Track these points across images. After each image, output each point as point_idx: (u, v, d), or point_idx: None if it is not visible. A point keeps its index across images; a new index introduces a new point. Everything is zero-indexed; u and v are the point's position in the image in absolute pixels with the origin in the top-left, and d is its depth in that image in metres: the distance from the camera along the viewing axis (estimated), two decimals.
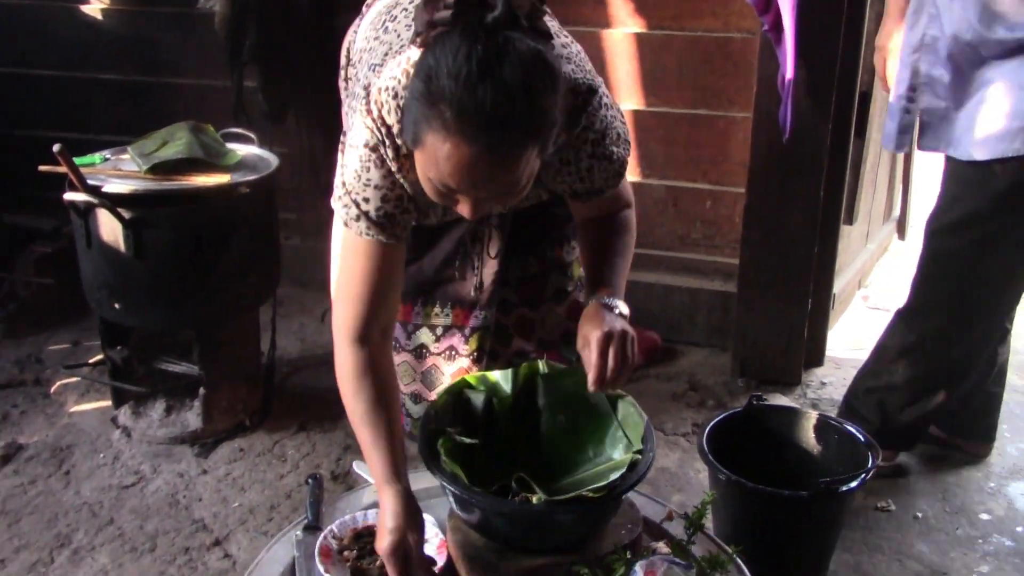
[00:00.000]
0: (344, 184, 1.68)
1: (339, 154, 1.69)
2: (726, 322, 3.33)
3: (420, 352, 2.17)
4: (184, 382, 2.90)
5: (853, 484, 2.13)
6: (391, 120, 1.60)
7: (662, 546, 1.88)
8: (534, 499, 1.68)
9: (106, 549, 2.46)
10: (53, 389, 3.24)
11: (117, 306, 2.65)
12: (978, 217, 2.36)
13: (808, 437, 2.42)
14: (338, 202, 1.69)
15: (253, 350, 3.02)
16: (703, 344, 3.45)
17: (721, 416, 2.44)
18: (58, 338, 3.57)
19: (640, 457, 1.80)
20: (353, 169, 1.66)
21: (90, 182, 2.52)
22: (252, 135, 2.98)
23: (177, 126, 2.77)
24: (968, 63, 2.27)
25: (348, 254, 1.73)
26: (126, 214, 2.50)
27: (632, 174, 3.41)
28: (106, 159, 2.77)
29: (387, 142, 1.62)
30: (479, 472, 1.80)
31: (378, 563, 1.87)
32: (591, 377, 1.72)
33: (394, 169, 1.65)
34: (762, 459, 2.41)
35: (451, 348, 2.17)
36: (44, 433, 2.98)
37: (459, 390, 1.93)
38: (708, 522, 2.35)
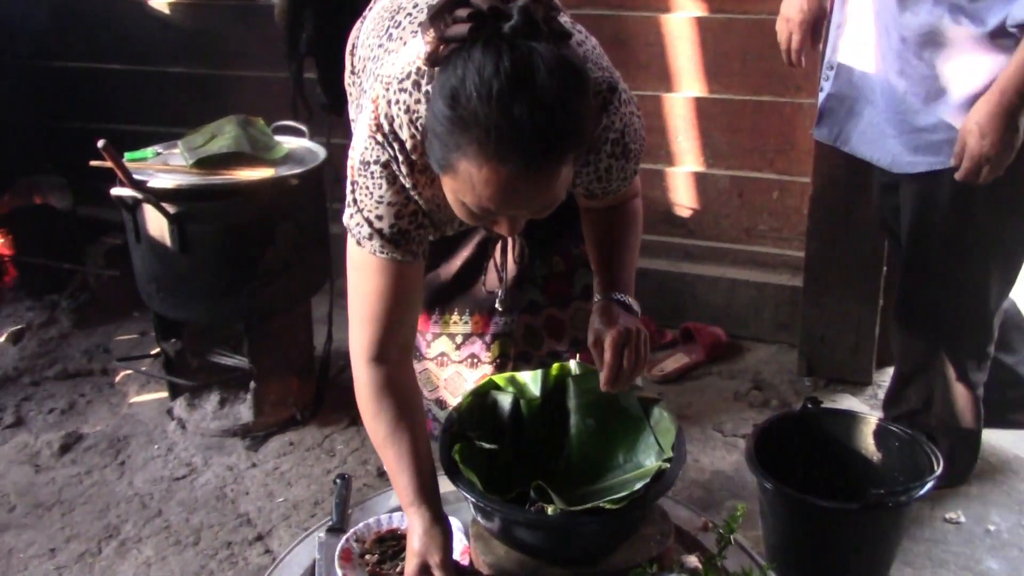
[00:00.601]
0: (356, 202, 1.61)
1: (348, 169, 1.63)
2: (794, 318, 3.19)
3: (441, 359, 2.12)
4: (236, 375, 2.91)
5: (906, 497, 1.99)
6: (404, 135, 1.54)
7: (693, 559, 1.79)
8: (549, 509, 1.62)
9: (152, 541, 2.49)
10: (117, 379, 3.29)
11: (164, 300, 2.67)
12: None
13: (867, 443, 2.28)
14: (350, 220, 1.63)
15: (304, 343, 3.01)
16: (770, 340, 3.31)
17: (773, 418, 2.32)
18: (126, 328, 3.64)
19: (668, 466, 1.72)
20: (365, 187, 1.59)
21: (137, 177, 2.54)
22: (303, 128, 2.96)
23: (226, 120, 2.77)
24: (889, 50, 2.12)
25: (362, 274, 1.66)
26: (170, 209, 2.51)
27: (695, 164, 3.29)
28: (158, 153, 2.78)
29: (400, 157, 1.56)
30: (500, 478, 1.75)
31: (399, 569, 1.84)
32: (604, 376, 1.67)
33: (408, 185, 1.58)
34: (819, 465, 2.29)
35: (473, 356, 2.10)
36: (105, 423, 3.04)
37: (485, 392, 1.88)
38: (755, 531, 2.27)
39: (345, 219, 1.64)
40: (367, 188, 1.59)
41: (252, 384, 2.86)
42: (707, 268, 3.35)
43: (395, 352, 1.70)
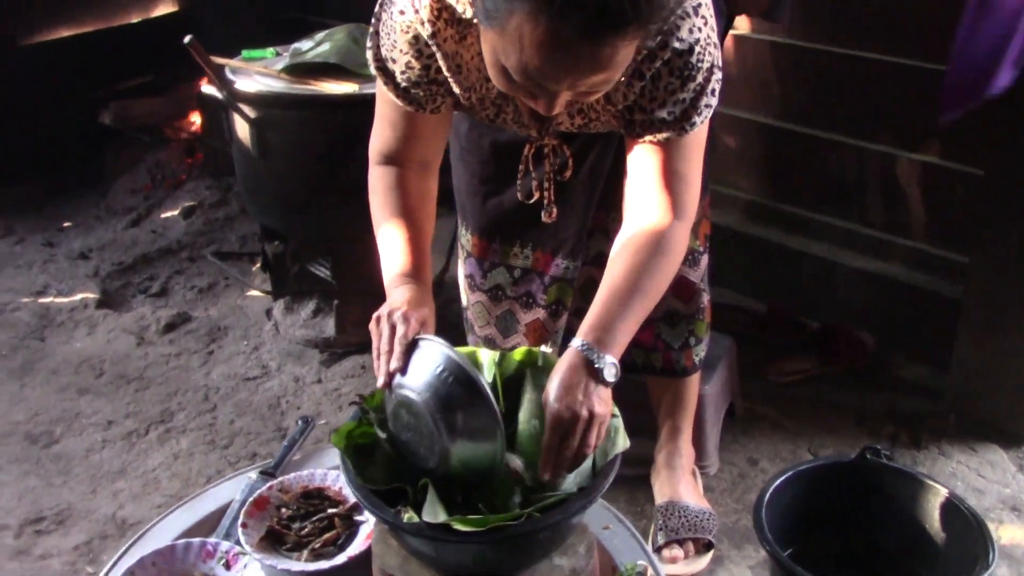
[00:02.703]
0: (376, 34, 1.55)
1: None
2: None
3: (496, 293, 2.01)
4: (326, 288, 2.88)
5: None
6: None
7: None
8: (405, 516, 1.42)
9: (192, 436, 2.54)
10: (254, 268, 3.40)
11: (251, 202, 2.66)
12: None
13: (931, 517, 1.84)
14: (367, 50, 1.57)
15: None
16: (925, 360, 2.77)
17: (821, 462, 1.94)
18: None
19: (581, 494, 1.47)
20: (386, 23, 1.51)
21: (229, 77, 2.52)
22: None
23: (339, 28, 2.67)
24: None
25: (379, 94, 1.62)
26: (250, 113, 2.47)
27: (879, 140, 2.77)
28: (277, 54, 2.75)
29: (424, 2, 1.43)
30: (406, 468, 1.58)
31: (305, 531, 1.73)
32: (540, 461, 1.42)
33: (425, 35, 1.46)
34: (865, 528, 1.89)
35: (528, 295, 1.99)
36: (218, 310, 3.14)
37: None
38: None
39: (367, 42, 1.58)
40: (387, 27, 1.51)
41: (335, 301, 2.82)
42: (868, 261, 2.84)
43: (412, 162, 1.64)
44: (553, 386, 1.42)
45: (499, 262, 1.99)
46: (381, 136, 1.65)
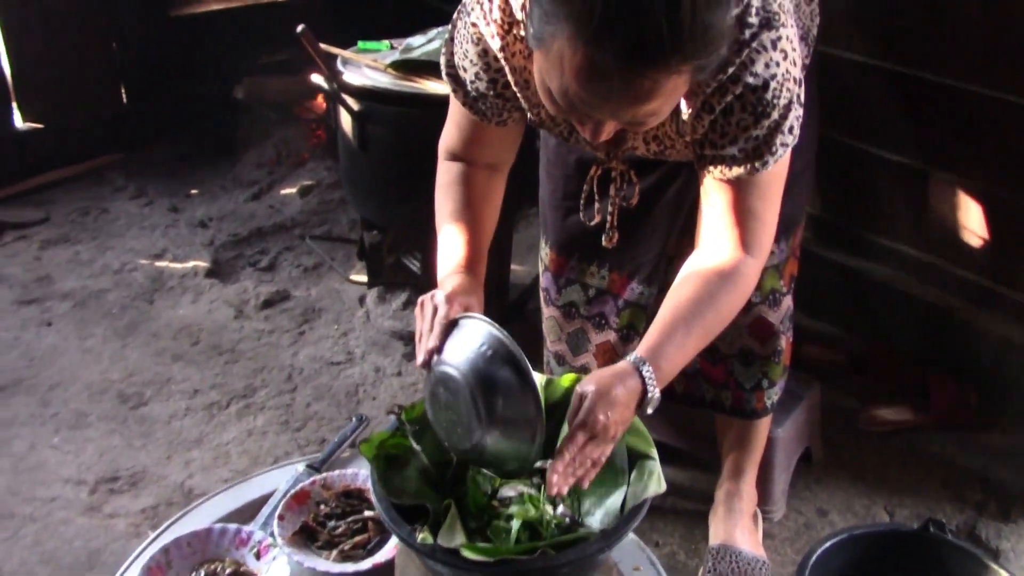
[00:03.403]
0: (452, 40, 1.57)
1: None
2: None
3: (569, 311, 2.01)
4: (416, 282, 2.91)
5: None
6: None
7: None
8: (420, 536, 1.42)
9: (268, 414, 2.61)
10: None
11: (351, 192, 2.71)
12: None
13: None
14: (441, 55, 1.61)
15: (492, 267, 2.89)
16: None
17: (878, 530, 1.83)
18: None
19: (595, 538, 1.44)
20: (460, 32, 1.53)
21: (339, 68, 2.56)
22: None
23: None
24: None
25: (451, 96, 1.63)
26: (354, 105, 2.51)
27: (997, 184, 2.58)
28: (392, 47, 2.78)
29: (497, 16, 1.44)
30: (451, 482, 1.59)
31: (339, 530, 1.75)
32: (553, 466, 1.37)
33: (496, 48, 1.47)
34: None
35: (601, 315, 1.97)
36: (316, 291, 3.21)
37: None
38: None
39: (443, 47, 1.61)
40: (461, 35, 1.54)
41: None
42: (981, 314, 2.66)
43: (476, 162, 1.67)
44: (596, 392, 1.38)
45: (575, 279, 1.97)
46: (449, 135, 1.67)
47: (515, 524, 1.48)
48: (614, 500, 1.53)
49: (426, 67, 2.55)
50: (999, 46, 2.42)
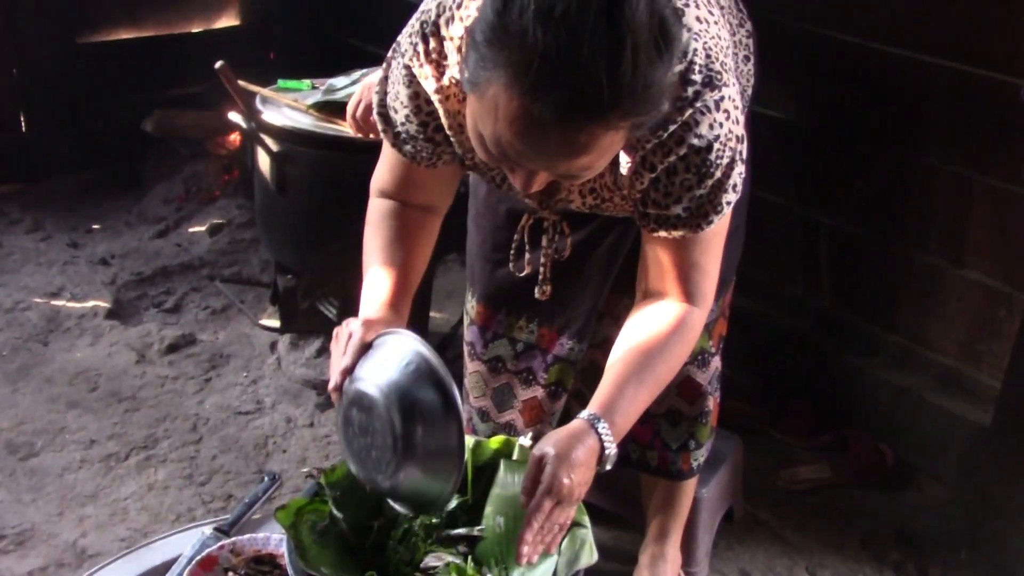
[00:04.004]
0: (385, 79, 1.49)
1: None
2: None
3: (496, 365, 1.92)
4: (331, 330, 2.80)
5: None
6: (451, 32, 1.35)
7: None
8: None
9: (170, 467, 2.47)
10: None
11: (265, 234, 2.61)
12: None
13: None
14: (375, 96, 1.52)
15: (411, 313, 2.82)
16: (944, 483, 2.59)
17: None
18: None
19: None
20: (393, 72, 1.46)
21: (259, 107, 2.47)
22: None
23: (376, 70, 2.61)
24: None
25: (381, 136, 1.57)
26: (273, 146, 2.42)
27: (930, 251, 2.62)
28: (313, 87, 2.70)
29: (432, 56, 1.38)
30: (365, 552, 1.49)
31: None
32: (522, 535, 1.32)
33: (430, 90, 1.41)
34: None
35: (529, 371, 1.90)
36: (224, 336, 3.08)
37: None
38: None
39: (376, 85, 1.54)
40: (394, 75, 1.47)
41: None
42: (895, 372, 2.69)
43: (409, 203, 1.59)
44: (557, 453, 1.32)
45: (503, 333, 1.91)
46: (381, 174, 1.61)
47: None
48: (544, 570, 1.45)
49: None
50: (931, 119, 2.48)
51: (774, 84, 2.43)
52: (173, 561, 1.70)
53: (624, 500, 2.23)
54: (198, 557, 1.67)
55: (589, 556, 1.44)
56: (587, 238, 1.75)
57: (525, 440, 1.56)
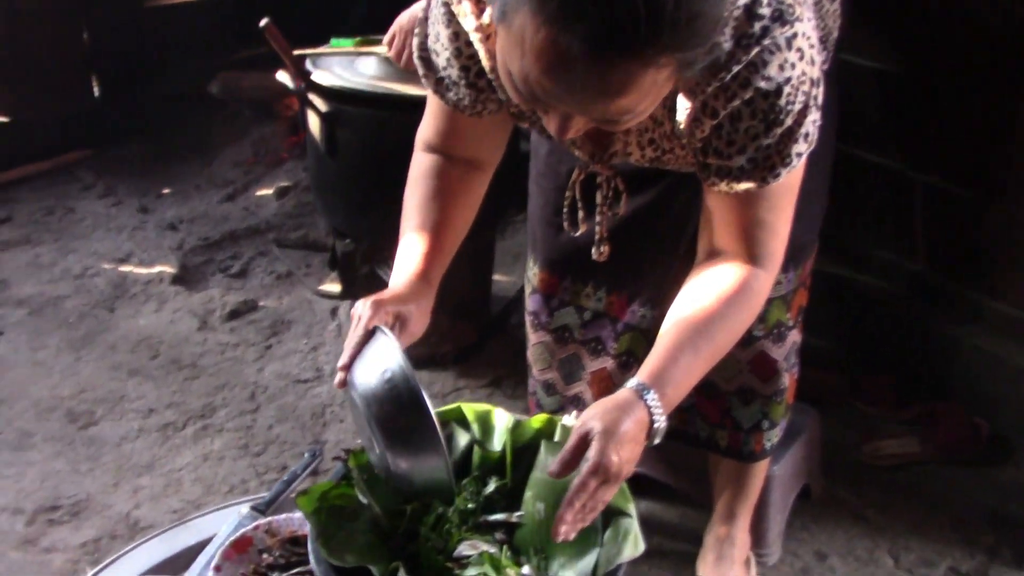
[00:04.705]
0: (425, 20, 1.38)
1: None
2: None
3: (562, 335, 1.80)
4: None
5: None
6: None
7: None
8: None
9: (227, 437, 2.43)
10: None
11: (319, 197, 2.53)
12: None
13: None
14: (415, 39, 1.41)
15: (465, 284, 2.71)
16: None
17: None
18: None
19: None
20: (434, 13, 1.35)
21: (309, 67, 2.38)
22: None
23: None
24: None
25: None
26: (321, 107, 2.32)
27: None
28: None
29: None
30: (398, 537, 1.41)
31: None
32: (561, 512, 1.22)
33: (470, 28, 1.28)
34: None
35: (597, 340, 1.77)
36: (286, 301, 3.03)
37: (446, 420, 1.50)
38: None
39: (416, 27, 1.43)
40: (433, 15, 1.35)
41: None
42: (998, 344, 2.47)
43: (454, 156, 1.47)
44: (604, 428, 1.21)
45: (569, 301, 1.77)
46: (425, 125, 1.49)
47: None
48: (586, 563, 1.35)
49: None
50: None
51: (863, 29, 2.24)
52: (208, 540, 1.65)
53: (691, 478, 2.11)
54: (232, 537, 1.62)
55: (634, 548, 1.33)
56: (658, 197, 1.61)
57: (569, 420, 1.45)
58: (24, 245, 3.34)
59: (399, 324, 1.34)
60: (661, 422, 1.25)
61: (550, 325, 1.80)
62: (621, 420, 1.21)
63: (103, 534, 2.11)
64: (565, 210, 1.59)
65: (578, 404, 1.83)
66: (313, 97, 2.33)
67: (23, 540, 2.08)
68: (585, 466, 1.20)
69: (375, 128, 2.33)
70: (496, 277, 2.98)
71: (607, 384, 1.79)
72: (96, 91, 4.03)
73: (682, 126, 1.26)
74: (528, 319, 1.87)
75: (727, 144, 1.24)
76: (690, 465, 2.08)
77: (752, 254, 1.34)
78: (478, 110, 1.41)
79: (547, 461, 1.40)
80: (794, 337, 1.76)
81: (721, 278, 1.34)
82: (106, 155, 3.94)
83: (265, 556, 1.62)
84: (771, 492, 2.04)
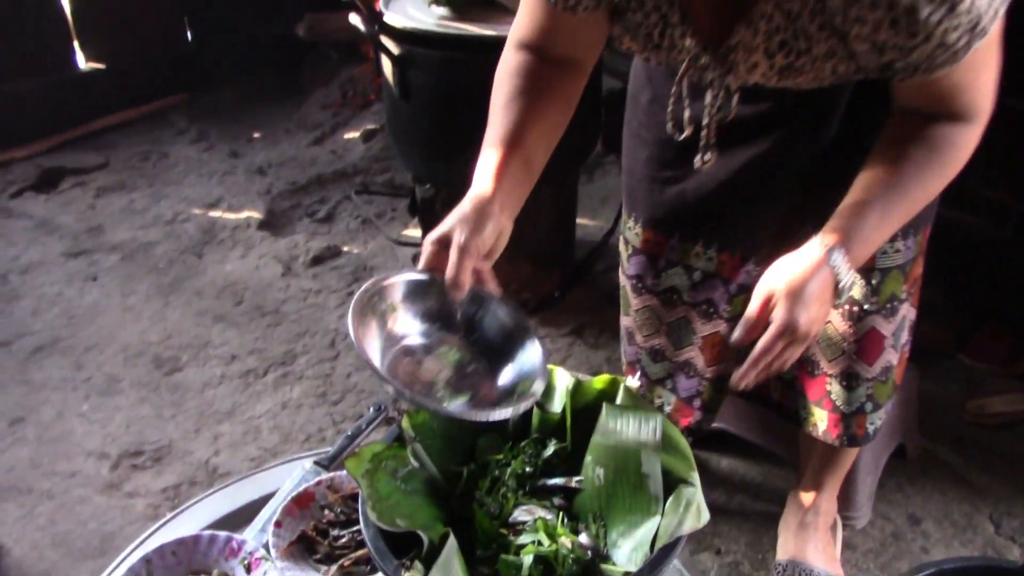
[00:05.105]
0: None
1: None
2: None
3: (669, 297, 1.69)
4: None
5: None
6: None
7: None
8: (406, 575, 1.21)
9: (306, 384, 2.43)
10: None
11: (395, 141, 2.47)
12: None
13: None
14: None
15: (547, 230, 2.63)
16: None
17: (969, 563, 1.53)
18: None
19: None
20: None
21: (383, 8, 2.30)
22: None
23: None
24: None
25: None
26: (394, 49, 2.25)
27: None
28: None
29: None
30: (454, 499, 1.37)
31: (342, 540, 1.55)
32: (738, 375, 1.23)
33: None
34: None
35: (709, 303, 1.66)
36: (370, 247, 3.01)
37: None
38: None
39: None
40: None
41: None
42: None
43: (549, 54, 1.34)
44: (788, 289, 1.17)
45: (676, 261, 1.65)
46: (517, 22, 1.36)
47: (526, 560, 1.26)
48: (646, 531, 1.28)
49: (480, 4, 2.27)
50: None
51: None
52: (271, 495, 1.64)
53: (780, 439, 2.01)
54: (294, 493, 1.60)
55: (696, 520, 1.25)
56: (773, 148, 1.47)
57: (633, 381, 1.38)
58: (120, 191, 3.40)
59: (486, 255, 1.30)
60: (847, 280, 1.19)
61: (657, 287, 1.69)
62: (806, 280, 1.17)
63: (183, 480, 2.14)
64: (670, 107, 1.45)
65: (688, 369, 1.73)
66: (385, 39, 2.26)
67: (108, 484, 2.13)
68: (771, 327, 1.17)
69: (448, 70, 2.25)
70: (582, 221, 2.89)
71: (720, 349, 1.69)
72: (189, 37, 4.05)
73: (836, 7, 1.07)
74: (629, 283, 1.74)
75: (907, 36, 1.04)
76: (780, 426, 1.98)
77: (955, 113, 1.19)
78: (571, 4, 1.27)
79: (607, 424, 1.34)
80: (905, 311, 1.60)
81: (918, 132, 1.20)
82: (199, 100, 3.97)
83: (327, 512, 1.60)
84: (861, 453, 1.92)
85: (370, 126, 3.67)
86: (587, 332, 2.58)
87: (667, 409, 1.81)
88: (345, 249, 2.99)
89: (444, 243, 1.25)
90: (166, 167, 3.56)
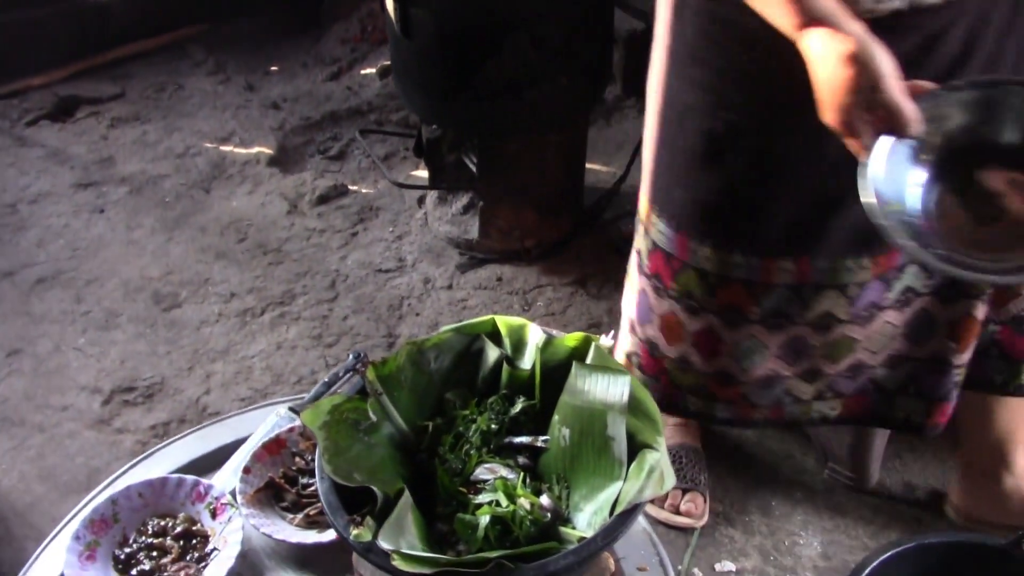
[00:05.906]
0: None
1: None
2: None
3: (826, 322, 1.57)
4: (477, 186, 2.61)
5: None
6: None
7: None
8: (354, 532, 1.19)
9: (302, 325, 2.41)
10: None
11: (398, 83, 2.41)
12: None
13: None
14: None
15: (557, 176, 2.55)
16: None
17: (953, 539, 1.48)
18: None
19: (571, 545, 1.18)
20: None
21: None
22: None
23: None
24: None
25: None
26: None
27: None
28: None
29: None
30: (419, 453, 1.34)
31: (311, 488, 1.54)
32: None
33: None
34: None
35: (872, 307, 1.56)
36: (376, 187, 2.96)
37: (475, 333, 1.41)
38: None
39: None
40: None
41: (480, 203, 2.55)
42: None
43: None
44: None
45: (826, 283, 1.53)
46: None
47: (483, 521, 1.22)
48: (607, 495, 1.24)
49: None
50: None
51: None
52: (244, 440, 1.63)
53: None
54: (266, 439, 1.59)
55: (658, 486, 1.21)
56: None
57: (606, 340, 1.34)
58: (133, 122, 3.37)
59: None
60: None
61: (806, 317, 1.57)
62: None
63: (172, 418, 2.14)
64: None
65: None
66: None
67: (98, 419, 2.14)
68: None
69: (452, 5, 2.18)
70: (594, 167, 2.82)
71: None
72: None
73: None
74: (648, 283, 1.68)
75: None
76: None
77: None
78: None
79: (576, 384, 1.30)
80: None
81: None
82: (218, 31, 3.91)
83: (298, 459, 1.58)
84: None
85: (387, 62, 3.58)
86: (590, 282, 2.53)
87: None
88: (352, 188, 2.95)
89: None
90: (181, 99, 3.52)
